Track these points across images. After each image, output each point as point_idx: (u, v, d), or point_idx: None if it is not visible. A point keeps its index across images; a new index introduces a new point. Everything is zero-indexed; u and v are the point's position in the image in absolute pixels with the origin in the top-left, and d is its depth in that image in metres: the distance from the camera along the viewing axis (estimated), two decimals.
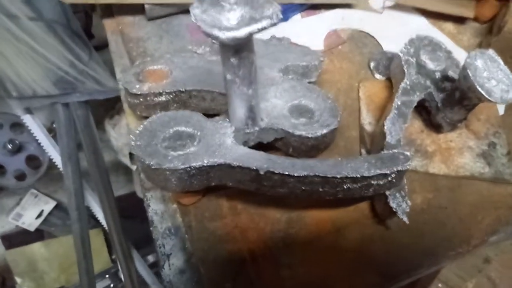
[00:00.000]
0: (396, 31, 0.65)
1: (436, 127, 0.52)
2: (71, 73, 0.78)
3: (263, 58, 0.52)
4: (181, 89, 0.47)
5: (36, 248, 1.48)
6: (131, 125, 0.52)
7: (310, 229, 0.44)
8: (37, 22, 0.70)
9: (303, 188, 0.39)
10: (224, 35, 0.32)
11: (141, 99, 0.48)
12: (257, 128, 0.42)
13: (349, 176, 0.37)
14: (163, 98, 0.48)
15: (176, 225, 0.45)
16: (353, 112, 0.55)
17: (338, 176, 0.37)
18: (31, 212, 1.37)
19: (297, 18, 0.66)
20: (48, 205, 1.39)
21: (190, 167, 0.38)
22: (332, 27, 0.65)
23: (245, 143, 0.43)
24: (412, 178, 0.49)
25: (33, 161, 1.05)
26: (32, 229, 1.41)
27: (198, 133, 0.42)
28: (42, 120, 1.01)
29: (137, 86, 0.48)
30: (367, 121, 0.54)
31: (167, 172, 0.39)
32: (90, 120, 0.92)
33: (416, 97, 0.50)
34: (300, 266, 0.42)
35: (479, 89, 0.43)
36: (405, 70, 0.52)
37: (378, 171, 0.37)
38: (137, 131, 0.42)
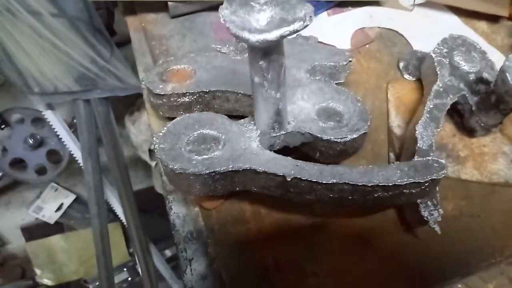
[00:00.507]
0: (426, 30, 0.62)
1: (469, 131, 0.50)
2: (93, 70, 0.77)
3: (289, 58, 0.50)
4: (205, 90, 0.46)
5: (56, 240, 1.50)
6: (153, 125, 0.51)
7: (337, 236, 0.43)
8: (60, 19, 0.69)
9: (331, 195, 0.37)
10: (255, 37, 0.30)
11: (164, 100, 0.47)
12: (283, 132, 0.41)
13: (380, 184, 0.35)
14: (186, 99, 0.47)
15: (198, 229, 0.44)
16: (381, 114, 0.53)
17: (369, 185, 0.35)
18: (51, 205, 1.39)
19: (323, 16, 0.64)
20: (68, 199, 1.41)
21: (214, 172, 0.37)
22: (360, 25, 0.63)
23: (270, 147, 0.42)
24: (444, 184, 0.47)
25: (54, 155, 1.06)
26: (52, 221, 1.43)
27: (223, 137, 0.40)
28: (63, 116, 1.01)
29: (161, 86, 0.47)
30: (396, 123, 0.52)
31: (191, 177, 0.38)
32: (110, 116, 0.92)
33: (449, 100, 0.48)
34: (327, 275, 0.40)
35: None
36: (438, 72, 0.50)
37: (411, 180, 0.36)
38: (161, 134, 0.41)
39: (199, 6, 0.63)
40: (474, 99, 0.49)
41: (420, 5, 0.65)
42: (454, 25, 0.63)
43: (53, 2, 0.69)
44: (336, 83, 0.47)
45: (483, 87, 0.49)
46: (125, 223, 1.08)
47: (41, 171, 1.07)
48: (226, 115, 0.48)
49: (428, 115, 0.47)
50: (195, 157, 0.38)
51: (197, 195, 0.41)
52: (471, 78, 0.50)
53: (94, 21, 0.73)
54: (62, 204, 1.41)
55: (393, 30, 0.62)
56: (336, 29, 0.62)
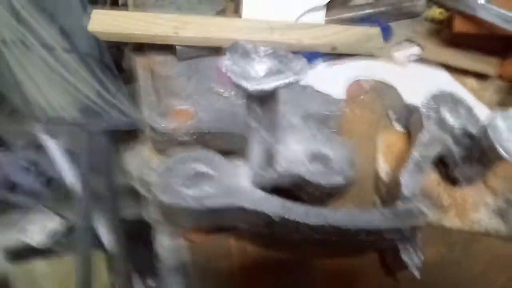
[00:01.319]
0: (418, 84, 0.65)
1: (453, 181, 0.52)
2: (98, 103, 0.81)
3: (285, 105, 0.53)
4: (205, 131, 0.49)
5: (39, 265, 1.47)
6: (150, 159, 0.53)
7: (319, 277, 0.44)
8: (71, 54, 0.74)
9: (316, 236, 0.39)
10: (252, 87, 0.33)
11: (166, 138, 0.49)
12: (275, 173, 0.43)
13: (362, 228, 0.37)
14: (187, 138, 0.49)
15: (183, 263, 0.45)
16: (370, 161, 0.55)
17: (352, 228, 0.37)
18: (38, 228, 1.37)
19: (320, 65, 0.68)
20: (56, 223, 1.39)
21: (205, 207, 0.39)
22: (356, 76, 0.66)
23: (262, 187, 0.44)
24: (426, 231, 0.48)
25: (48, 181, 1.07)
26: (37, 245, 1.41)
27: (217, 174, 0.43)
28: (63, 141, 1.04)
29: (163, 125, 0.49)
30: (384, 170, 0.54)
31: (181, 211, 0.39)
32: (110, 148, 0.94)
33: (435, 152, 0.51)
34: None
35: (499, 148, 0.44)
36: (424, 124, 0.53)
37: (393, 226, 0.37)
38: (157, 168, 0.43)
39: (206, 52, 0.67)
40: (459, 152, 0.51)
41: (414, 61, 0.69)
42: (445, 81, 0.67)
43: (67, 38, 0.73)
44: (328, 130, 0.50)
45: (468, 141, 0.51)
46: (109, 252, 1.08)
47: (33, 195, 1.08)
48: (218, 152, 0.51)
49: (413, 164, 0.49)
50: (187, 192, 0.40)
51: (186, 229, 0.43)
52: (456, 132, 0.52)
53: (105, 58, 0.77)
54: (49, 229, 1.40)
55: (387, 83, 0.66)
56: (333, 79, 0.65)
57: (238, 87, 0.34)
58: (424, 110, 0.54)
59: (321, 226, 0.38)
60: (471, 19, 0.63)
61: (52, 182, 1.09)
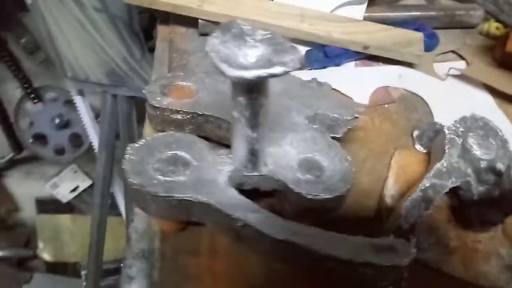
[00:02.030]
0: (454, 103, 0.59)
1: (466, 222, 0.46)
2: (123, 68, 0.80)
3: (294, 100, 0.49)
4: (199, 112, 0.45)
5: (64, 219, 1.53)
6: (145, 135, 0.51)
7: None
8: (102, 14, 0.72)
9: (282, 253, 0.35)
10: (232, 73, 0.29)
11: (158, 112, 0.46)
12: (256, 174, 0.39)
13: (331, 255, 0.33)
14: (179, 117, 0.46)
15: (152, 250, 0.42)
16: (378, 179, 0.50)
17: (319, 252, 0.33)
18: (67, 185, 1.42)
19: (350, 65, 0.62)
20: (84, 183, 1.44)
21: (171, 196, 0.36)
22: (385, 83, 0.60)
23: (240, 185, 0.40)
24: (421, 271, 0.43)
25: (76, 139, 1.09)
26: (64, 201, 1.47)
27: (195, 163, 0.39)
28: (94, 104, 1.05)
29: (158, 99, 0.46)
30: (391, 193, 0.48)
31: (148, 196, 0.36)
32: (132, 115, 0.93)
33: (450, 183, 0.44)
34: None
35: None
36: (446, 150, 0.47)
37: (367, 260, 0.33)
38: (136, 145, 0.40)
39: None
40: (479, 189, 0.45)
41: (455, 76, 0.62)
42: (485, 104, 0.59)
43: None
44: (332, 137, 0.45)
45: (492, 178, 0.45)
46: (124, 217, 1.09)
47: (60, 151, 1.10)
48: (216, 142, 0.47)
49: (421, 193, 0.43)
50: (158, 177, 0.37)
51: (152, 215, 0.40)
52: (481, 165, 0.46)
53: (133, 23, 0.76)
54: (77, 187, 1.45)
55: (419, 96, 0.59)
56: (359, 82, 0.59)
57: (218, 70, 0.30)
58: (448, 133, 0.47)
59: (286, 243, 0.33)
60: None
61: (77, 139, 1.11)
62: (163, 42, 0.62)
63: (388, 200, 0.47)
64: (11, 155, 1.21)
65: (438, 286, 0.43)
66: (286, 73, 0.30)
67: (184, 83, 0.50)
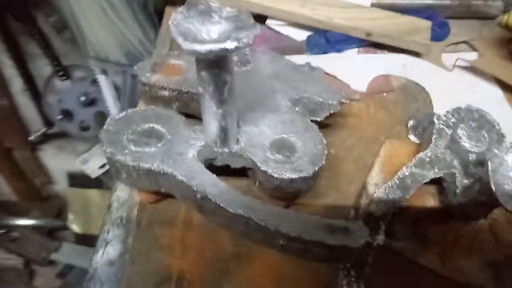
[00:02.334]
0: (458, 95, 0.56)
1: (449, 214, 0.44)
2: (139, 49, 0.82)
3: (282, 83, 0.49)
4: (183, 90, 0.47)
5: (93, 194, 1.61)
6: None
7: (253, 273, 0.40)
8: None
9: (239, 227, 0.35)
10: (186, 46, 0.30)
11: (147, 88, 0.48)
12: (226, 150, 0.40)
13: (282, 232, 0.33)
14: (166, 93, 0.47)
15: (129, 218, 0.44)
16: (364, 167, 0.49)
17: (271, 228, 0.33)
18: (96, 161, 1.49)
19: (352, 52, 0.61)
20: None
21: (139, 166, 0.37)
22: (388, 71, 0.59)
23: (211, 161, 0.41)
24: (392, 260, 0.42)
25: (101, 117, 1.14)
26: (93, 176, 1.54)
27: (168, 137, 0.40)
28: (116, 83, 1.09)
29: (147, 75, 0.48)
30: (374, 181, 0.47)
31: (118, 164, 0.38)
32: None
33: (432, 173, 0.43)
34: None
35: (493, 187, 0.35)
36: (433, 140, 0.45)
37: (320, 239, 0.33)
38: (116, 117, 0.42)
39: None
40: (464, 182, 0.43)
41: (465, 68, 0.59)
42: (493, 98, 0.56)
43: None
44: (313, 120, 0.45)
45: (481, 172, 0.43)
46: None
47: (84, 127, 1.15)
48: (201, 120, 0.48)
49: (397, 181, 0.42)
50: (131, 147, 0.39)
51: (124, 184, 0.42)
52: (470, 158, 0.44)
53: (148, 5, 0.78)
54: (105, 164, 1.51)
55: (421, 86, 0.57)
56: (360, 69, 0.58)
57: (176, 42, 0.31)
58: (438, 123, 0.46)
59: (241, 217, 0.34)
60: None
61: (102, 117, 1.15)
62: (168, 23, 0.63)
63: (371, 188, 0.46)
64: (43, 129, 1.28)
65: (410, 277, 0.42)
66: (238, 48, 0.30)
67: (176, 61, 0.51)
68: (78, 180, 1.60)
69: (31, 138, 1.34)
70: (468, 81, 0.58)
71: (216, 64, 0.33)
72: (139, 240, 0.43)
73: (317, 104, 0.46)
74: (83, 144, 1.50)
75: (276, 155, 0.40)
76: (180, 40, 0.31)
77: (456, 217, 0.43)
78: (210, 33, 0.32)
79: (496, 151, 0.37)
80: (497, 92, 0.57)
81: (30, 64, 1.12)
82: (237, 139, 0.41)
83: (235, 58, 0.52)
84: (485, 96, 0.56)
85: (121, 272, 0.40)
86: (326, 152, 0.40)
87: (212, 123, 0.38)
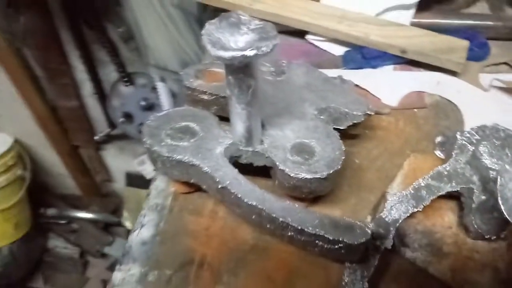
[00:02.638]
0: (491, 115, 0.56)
1: (465, 229, 0.45)
2: (193, 58, 0.89)
3: (312, 93, 0.52)
4: (221, 94, 0.52)
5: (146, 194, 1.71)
6: None
7: (267, 265, 0.44)
8: (177, 9, 0.82)
9: (253, 217, 0.39)
10: (213, 52, 0.35)
11: (189, 92, 0.54)
12: (250, 149, 0.44)
13: (291, 224, 0.36)
14: (205, 97, 0.53)
15: (164, 205, 0.49)
16: (386, 178, 0.50)
17: (280, 220, 0.36)
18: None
19: (388, 69, 0.63)
20: None
21: (172, 157, 0.43)
22: (422, 88, 0.60)
23: (236, 158, 0.45)
24: (402, 268, 0.43)
25: None
26: (148, 177, 1.64)
27: (201, 134, 0.45)
28: (174, 91, 1.17)
29: (191, 80, 0.54)
30: (394, 192, 0.49)
31: (154, 155, 0.44)
32: None
33: (449, 187, 0.44)
34: None
35: (500, 200, 0.36)
36: (453, 155, 0.46)
37: (322, 233, 0.35)
38: (158, 114, 0.48)
39: (277, 28, 0.68)
40: (481, 198, 0.44)
41: (502, 89, 0.59)
42: None
43: None
44: (336, 128, 0.48)
45: (493, 187, 0.43)
46: None
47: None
48: None
49: (412, 191, 0.44)
50: (167, 140, 0.44)
51: (159, 172, 0.47)
52: (490, 175, 0.44)
53: (203, 17, 0.85)
54: None
55: (453, 104, 0.58)
56: (393, 85, 0.60)
57: (207, 49, 0.36)
58: (460, 139, 0.47)
59: (256, 208, 0.38)
60: None
61: None
62: None
63: (389, 197, 0.48)
64: (107, 130, 1.40)
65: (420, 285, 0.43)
66: (257, 56, 0.34)
67: (217, 69, 0.56)
68: (135, 180, 1.71)
69: (96, 138, 1.46)
70: (504, 102, 0.58)
71: (241, 70, 0.37)
72: (169, 225, 0.48)
73: (342, 114, 0.49)
74: (142, 146, 1.62)
75: (295, 157, 0.43)
76: (209, 47, 0.35)
77: (471, 233, 0.44)
78: (238, 43, 0.37)
79: (507, 166, 0.38)
80: None
81: (100, 69, 1.24)
82: (262, 140, 0.45)
83: (272, 69, 0.57)
84: None
85: (151, 251, 0.46)
86: (343, 158, 0.43)
87: (237, 123, 0.42)
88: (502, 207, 0.36)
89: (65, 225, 1.62)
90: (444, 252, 0.44)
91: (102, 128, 1.45)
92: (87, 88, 1.30)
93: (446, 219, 0.47)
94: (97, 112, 1.39)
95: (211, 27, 0.37)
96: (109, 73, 1.22)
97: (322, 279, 0.42)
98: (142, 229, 0.48)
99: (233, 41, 0.37)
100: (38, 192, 1.56)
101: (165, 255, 0.45)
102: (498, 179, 0.38)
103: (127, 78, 1.18)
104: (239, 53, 0.34)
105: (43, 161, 1.55)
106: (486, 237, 0.43)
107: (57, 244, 1.65)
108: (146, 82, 1.21)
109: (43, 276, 1.59)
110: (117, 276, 0.44)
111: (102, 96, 1.26)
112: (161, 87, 1.11)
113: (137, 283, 0.43)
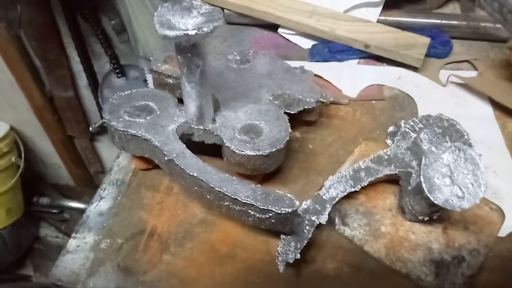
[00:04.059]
0: (448, 109, 0.59)
1: (402, 211, 0.47)
2: None
3: (271, 80, 0.55)
4: None
5: None
6: None
7: (212, 237, 0.46)
8: (163, 2, 0.86)
9: (195, 188, 0.42)
10: (160, 31, 0.38)
11: (156, 76, 0.56)
12: (201, 127, 0.47)
13: (226, 193, 0.39)
14: (170, 81, 0.55)
15: (123, 181, 0.52)
16: (337, 163, 0.53)
17: (217, 189, 0.39)
18: None
19: (353, 63, 0.66)
20: None
21: (126, 131, 0.45)
22: (383, 82, 0.63)
23: (189, 136, 0.48)
24: (339, 244, 0.46)
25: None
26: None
27: (158, 112, 0.48)
28: None
29: (158, 65, 0.57)
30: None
31: (112, 129, 0.47)
32: None
33: (387, 170, 0.47)
34: (180, 259, 0.45)
35: (422, 179, 0.39)
36: (396, 141, 0.49)
37: (253, 202, 0.38)
38: (122, 94, 0.51)
39: (251, 21, 0.71)
40: (417, 181, 0.46)
41: (460, 85, 0.61)
42: (482, 115, 0.58)
43: None
44: (286, 112, 0.50)
45: None
46: None
47: None
48: None
49: (351, 172, 0.46)
50: (125, 117, 0.47)
51: (118, 147, 0.50)
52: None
53: None
54: None
55: (411, 97, 0.60)
56: (355, 78, 0.63)
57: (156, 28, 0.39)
58: (404, 127, 0.49)
59: (197, 179, 0.40)
60: None
61: None
62: None
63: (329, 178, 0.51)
64: (101, 121, 1.44)
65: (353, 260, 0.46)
66: (198, 35, 0.37)
67: None
68: None
69: (91, 128, 1.50)
70: (461, 97, 0.60)
71: (189, 50, 0.40)
72: (126, 198, 0.50)
73: (295, 100, 0.52)
74: None
75: (242, 136, 0.46)
76: (157, 26, 0.38)
77: (407, 214, 0.46)
78: (187, 25, 0.40)
79: (433, 148, 0.40)
80: (488, 110, 0.58)
81: (94, 61, 1.28)
82: (214, 120, 0.48)
83: (237, 57, 0.59)
84: (475, 112, 0.58)
85: (106, 222, 0.48)
86: (288, 139, 0.45)
87: (188, 101, 0.45)
88: (424, 185, 0.39)
89: (57, 214, 1.66)
90: (382, 232, 0.47)
91: (96, 119, 1.48)
92: (82, 79, 1.33)
93: (387, 201, 0.49)
94: (92, 103, 1.43)
95: (163, 10, 0.40)
96: (104, 65, 1.26)
97: (262, 251, 0.45)
98: (100, 202, 0.51)
99: (182, 23, 0.40)
100: (32, 180, 1.60)
101: (118, 226, 0.48)
102: (423, 159, 0.40)
103: (120, 69, 1.21)
104: (182, 32, 0.37)
105: (38, 150, 1.59)
106: (419, 218, 0.45)
107: (48, 233, 1.69)
108: (138, 74, 1.24)
109: (33, 264, 1.63)
110: (72, 243, 0.47)
111: (96, 87, 1.29)
112: (150, 79, 1.14)
113: (90, 250, 0.46)
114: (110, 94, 1.27)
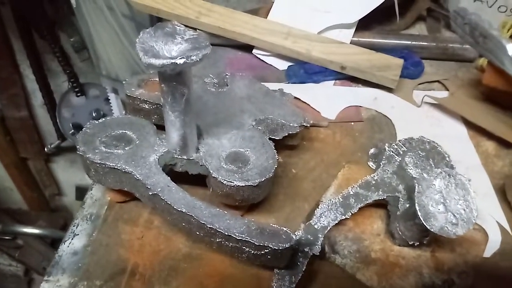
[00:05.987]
0: (423, 129, 0.60)
1: (391, 236, 0.47)
2: (144, 70, 0.89)
3: (252, 104, 0.54)
4: (160, 104, 0.52)
5: None
6: None
7: (199, 273, 0.44)
8: (129, 20, 0.83)
9: (183, 224, 0.39)
10: (144, 60, 0.36)
11: (130, 101, 0.54)
12: (185, 157, 0.44)
13: (219, 230, 0.37)
14: (146, 106, 0.53)
15: (98, 215, 0.49)
16: (321, 187, 0.52)
17: (208, 226, 0.37)
18: None
19: (329, 84, 0.66)
20: None
21: (104, 164, 0.42)
22: (359, 103, 0.63)
23: (171, 166, 0.45)
24: (332, 273, 0.45)
25: None
26: None
27: (137, 142, 0.45)
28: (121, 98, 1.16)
29: (132, 89, 0.54)
30: (327, 200, 0.50)
31: (88, 162, 0.43)
32: None
33: (376, 195, 0.46)
34: None
35: (417, 207, 0.39)
36: (381, 165, 0.49)
37: (248, 238, 0.36)
38: (96, 122, 0.47)
39: (225, 42, 0.70)
40: (406, 206, 0.46)
41: (434, 105, 0.63)
42: (456, 134, 0.59)
43: (128, 4, 0.82)
44: (271, 139, 0.49)
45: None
46: None
47: None
48: None
49: (341, 199, 0.46)
50: (101, 148, 0.44)
51: (93, 181, 0.47)
52: (415, 184, 0.47)
53: None
54: None
55: (388, 118, 0.61)
56: (333, 99, 0.63)
57: (139, 57, 0.36)
58: (388, 150, 0.49)
59: (186, 215, 0.38)
60: (502, 73, 0.55)
61: None
62: None
63: (319, 206, 0.50)
64: (57, 142, 1.36)
65: None
66: (186, 64, 0.35)
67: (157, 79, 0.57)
68: (86, 194, 1.66)
69: (46, 149, 1.42)
70: (435, 117, 0.61)
71: (174, 78, 0.38)
72: (102, 234, 0.47)
73: (279, 125, 0.51)
74: None
75: (229, 165, 0.44)
76: (141, 54, 0.36)
77: (396, 240, 0.46)
78: (172, 52, 0.38)
79: (425, 175, 0.41)
80: (462, 129, 0.60)
81: (51, 80, 1.21)
82: (198, 149, 0.45)
83: (215, 80, 0.58)
84: (450, 132, 0.59)
85: (82, 262, 0.45)
86: (276, 167, 0.44)
87: (172, 131, 0.42)
88: (419, 213, 0.38)
89: (10, 241, 1.54)
90: (372, 258, 0.46)
91: (52, 140, 1.40)
92: (37, 98, 1.26)
93: (375, 226, 0.49)
94: (47, 123, 1.35)
95: (145, 36, 0.38)
96: (61, 84, 1.20)
97: (253, 286, 0.43)
98: (74, 239, 0.47)
99: (166, 50, 0.38)
100: None
101: (95, 265, 0.44)
102: (416, 187, 0.40)
103: (79, 88, 1.15)
104: (169, 61, 0.35)
105: None
106: (410, 243, 0.45)
107: (1, 261, 1.57)
108: (99, 93, 1.19)
109: None
110: (44, 287, 0.43)
111: (53, 107, 1.23)
112: (112, 98, 1.09)
113: None
114: (68, 113, 1.21)
